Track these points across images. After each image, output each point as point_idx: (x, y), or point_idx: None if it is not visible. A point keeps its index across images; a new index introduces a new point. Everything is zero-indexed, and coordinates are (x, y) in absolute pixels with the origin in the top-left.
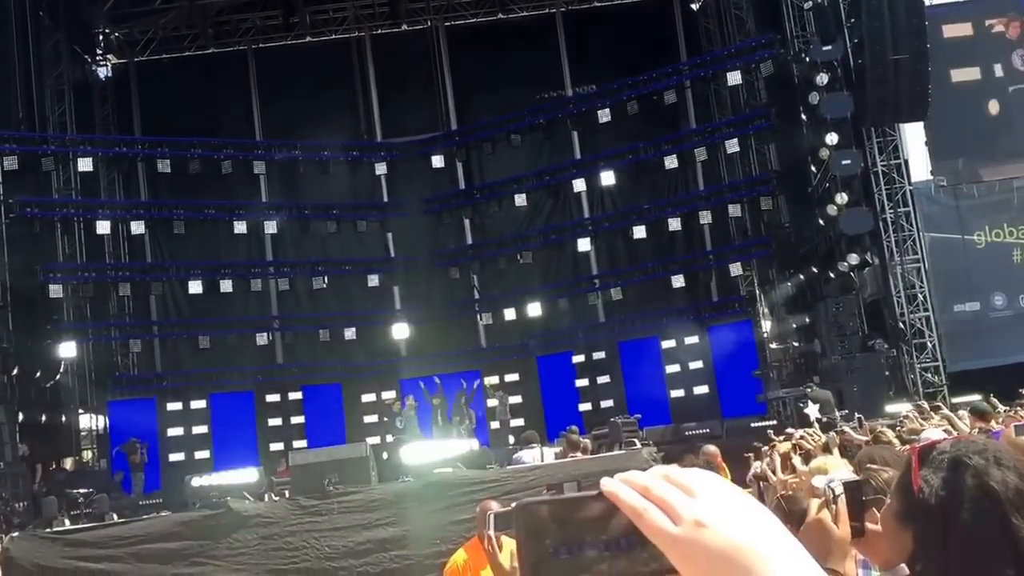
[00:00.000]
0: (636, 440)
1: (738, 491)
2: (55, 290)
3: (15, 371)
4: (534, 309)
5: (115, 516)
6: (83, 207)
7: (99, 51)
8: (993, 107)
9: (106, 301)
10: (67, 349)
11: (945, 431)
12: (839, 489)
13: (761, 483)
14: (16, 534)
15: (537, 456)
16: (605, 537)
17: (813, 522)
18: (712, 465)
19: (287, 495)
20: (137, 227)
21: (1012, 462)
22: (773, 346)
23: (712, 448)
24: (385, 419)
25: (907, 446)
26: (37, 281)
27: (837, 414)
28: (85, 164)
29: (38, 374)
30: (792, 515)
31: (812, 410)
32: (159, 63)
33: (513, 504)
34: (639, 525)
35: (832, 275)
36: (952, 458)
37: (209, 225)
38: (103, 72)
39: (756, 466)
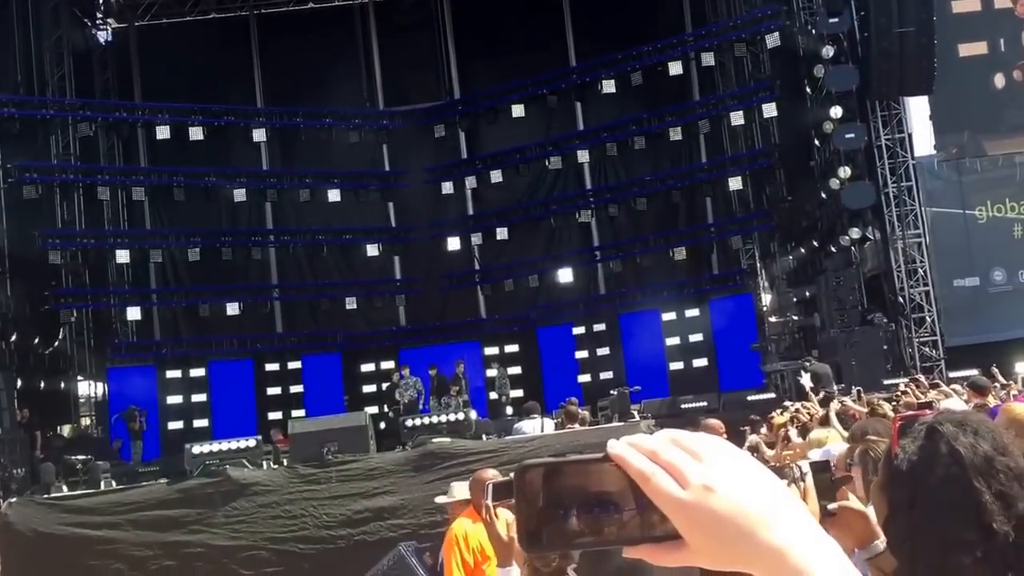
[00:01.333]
0: (635, 412)
1: (746, 456)
2: (54, 256)
3: (13, 337)
4: (534, 280)
5: (113, 483)
6: (82, 173)
7: (99, 15)
8: (999, 81)
9: (105, 268)
10: (65, 315)
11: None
12: (805, 468)
13: (755, 455)
14: (14, 500)
15: (537, 427)
16: (609, 501)
17: None
18: None
19: (284, 463)
20: (137, 194)
21: (991, 435)
22: (773, 319)
23: (713, 422)
24: (385, 386)
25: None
26: (36, 247)
27: (835, 388)
28: (84, 129)
29: (36, 340)
30: None
31: (805, 380)
32: (160, 28)
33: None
34: (646, 489)
35: (833, 249)
36: (928, 427)
37: (209, 192)
38: (103, 36)
39: (751, 439)
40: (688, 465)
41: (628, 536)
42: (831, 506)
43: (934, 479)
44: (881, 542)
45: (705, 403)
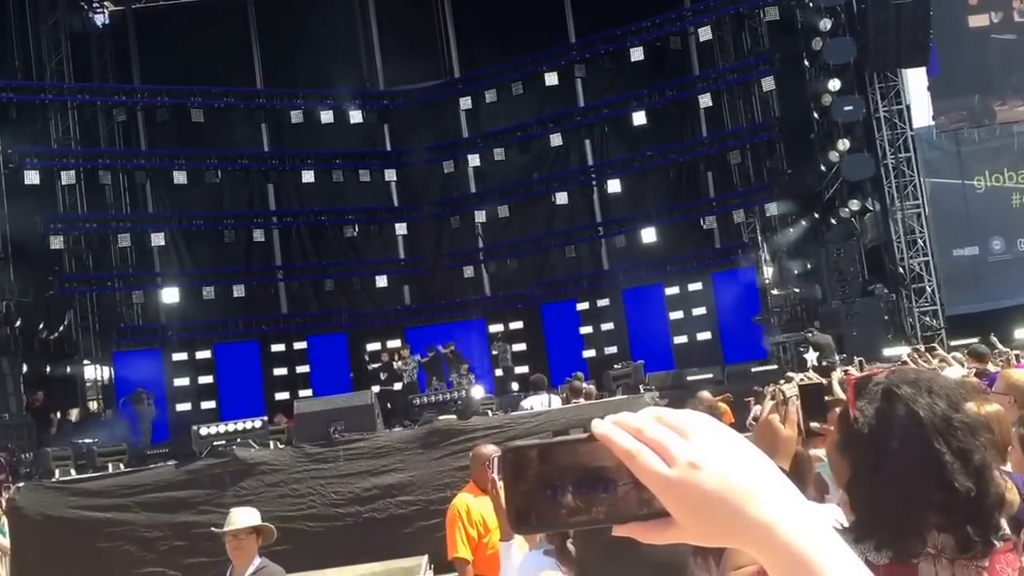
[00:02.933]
0: (640, 386)
1: (731, 432)
2: (56, 241)
3: (18, 323)
4: (538, 257)
5: (122, 466)
6: (82, 157)
7: None
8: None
9: (108, 252)
10: (70, 300)
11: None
12: (790, 392)
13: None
14: (22, 484)
15: (544, 402)
16: (597, 480)
17: (764, 422)
18: (716, 411)
19: (293, 443)
20: (138, 177)
21: (945, 391)
22: (775, 292)
23: (705, 393)
24: (395, 364)
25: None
26: (38, 232)
27: (837, 358)
28: (84, 114)
29: (41, 325)
30: None
31: (811, 357)
32: (157, 10)
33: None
34: (632, 468)
35: (833, 221)
36: (885, 388)
37: (210, 175)
38: (100, 20)
39: (756, 410)
40: (673, 442)
41: (616, 514)
42: (815, 424)
43: (896, 442)
44: None
45: (711, 375)
